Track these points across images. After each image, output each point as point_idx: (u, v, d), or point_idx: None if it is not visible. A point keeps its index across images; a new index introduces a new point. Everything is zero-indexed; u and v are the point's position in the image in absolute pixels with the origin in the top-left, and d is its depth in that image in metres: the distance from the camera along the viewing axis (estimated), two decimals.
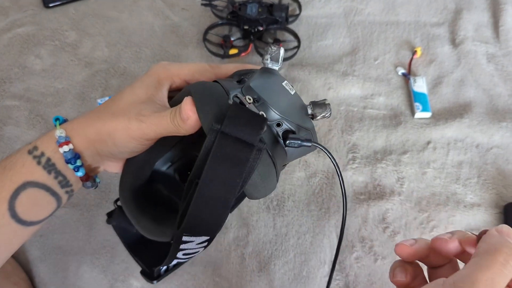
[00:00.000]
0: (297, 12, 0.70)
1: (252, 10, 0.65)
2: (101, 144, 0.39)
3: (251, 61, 0.67)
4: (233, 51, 0.66)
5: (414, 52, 0.66)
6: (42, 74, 0.67)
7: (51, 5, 0.72)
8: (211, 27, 0.68)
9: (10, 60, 0.68)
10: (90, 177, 0.41)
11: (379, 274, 0.54)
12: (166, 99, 0.40)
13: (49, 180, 0.39)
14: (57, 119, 0.40)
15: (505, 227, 0.29)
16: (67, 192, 0.41)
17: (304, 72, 0.66)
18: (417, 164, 0.59)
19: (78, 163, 0.39)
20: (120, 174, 0.43)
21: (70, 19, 0.72)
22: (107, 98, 0.63)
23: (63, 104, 0.64)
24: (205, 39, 0.67)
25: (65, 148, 0.38)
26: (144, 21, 0.72)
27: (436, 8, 0.72)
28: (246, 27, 0.66)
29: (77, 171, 0.39)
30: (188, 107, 0.34)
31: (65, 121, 0.40)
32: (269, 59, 0.37)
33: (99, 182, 0.44)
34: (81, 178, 0.41)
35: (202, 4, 0.66)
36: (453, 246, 0.30)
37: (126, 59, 0.68)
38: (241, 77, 0.38)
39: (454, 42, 0.68)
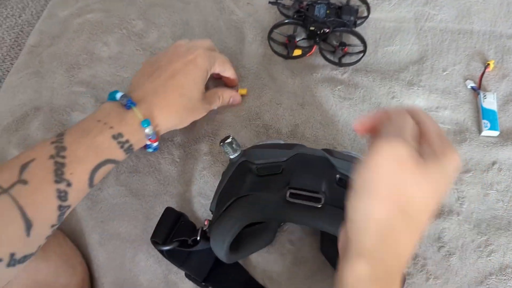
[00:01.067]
0: (365, 14, 0.68)
1: (320, 11, 0.64)
2: (174, 126, 0.55)
3: (314, 63, 0.66)
4: (297, 52, 0.65)
5: (486, 65, 0.64)
6: (109, 62, 0.69)
7: None
8: (276, 26, 0.67)
9: (79, 46, 0.70)
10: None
11: None
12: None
13: (123, 157, 0.49)
14: (131, 105, 0.49)
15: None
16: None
17: (368, 78, 0.64)
18: (479, 185, 0.57)
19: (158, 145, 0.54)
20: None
21: (138, 8, 0.73)
22: None
23: None
24: (269, 38, 0.67)
25: (155, 144, 0.52)
26: (209, 14, 0.72)
27: None
28: (312, 28, 0.65)
29: (155, 149, 0.55)
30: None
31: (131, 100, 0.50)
32: None
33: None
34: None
35: (269, 3, 0.66)
36: None
37: None
38: None
39: None
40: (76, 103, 0.65)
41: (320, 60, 0.66)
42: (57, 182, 0.43)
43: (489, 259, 0.54)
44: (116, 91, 0.50)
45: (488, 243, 0.54)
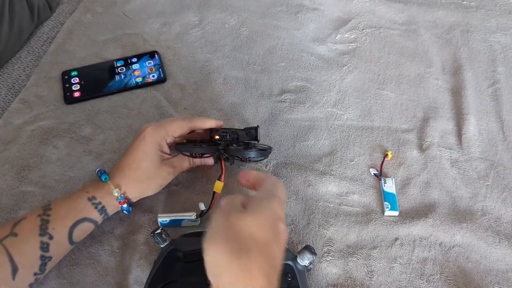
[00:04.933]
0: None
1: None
2: (142, 194, 0.66)
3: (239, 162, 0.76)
4: None
5: (385, 155, 0.75)
6: (58, 163, 0.76)
7: (70, 102, 0.83)
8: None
9: (31, 149, 0.77)
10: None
11: None
12: (168, 149, 0.67)
13: (98, 217, 0.62)
14: (105, 178, 0.63)
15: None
16: (103, 220, 0.63)
17: (286, 170, 0.74)
18: (385, 259, 0.66)
19: (130, 207, 0.66)
20: None
21: (86, 115, 0.82)
22: None
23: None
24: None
25: (125, 205, 0.64)
26: (150, 118, 0.82)
27: (407, 116, 0.82)
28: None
29: (128, 211, 0.66)
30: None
31: (106, 173, 0.64)
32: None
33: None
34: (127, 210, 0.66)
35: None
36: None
37: None
38: None
39: (421, 147, 0.77)
40: (24, 202, 0.71)
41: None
42: (41, 235, 0.56)
43: None
44: (97, 169, 0.65)
45: None
